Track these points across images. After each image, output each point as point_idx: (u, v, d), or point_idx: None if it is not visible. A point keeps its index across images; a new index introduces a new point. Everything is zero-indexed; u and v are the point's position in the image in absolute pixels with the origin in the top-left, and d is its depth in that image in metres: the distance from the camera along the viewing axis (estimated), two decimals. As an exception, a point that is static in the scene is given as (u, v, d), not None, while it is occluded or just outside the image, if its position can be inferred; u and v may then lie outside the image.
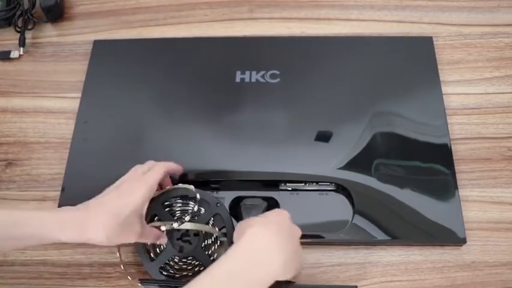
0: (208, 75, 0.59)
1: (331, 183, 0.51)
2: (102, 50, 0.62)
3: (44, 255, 0.51)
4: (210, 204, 0.48)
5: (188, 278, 0.42)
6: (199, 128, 0.55)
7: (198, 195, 0.47)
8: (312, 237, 0.49)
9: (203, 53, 0.61)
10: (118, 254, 0.48)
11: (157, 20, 0.66)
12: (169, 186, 0.49)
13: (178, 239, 0.47)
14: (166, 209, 0.48)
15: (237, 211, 0.50)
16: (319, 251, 0.49)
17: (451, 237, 0.48)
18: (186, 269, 0.47)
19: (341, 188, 0.50)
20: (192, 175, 0.52)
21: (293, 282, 0.42)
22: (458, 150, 0.53)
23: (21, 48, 0.64)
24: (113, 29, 0.66)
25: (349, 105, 0.56)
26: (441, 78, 0.57)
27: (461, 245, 0.48)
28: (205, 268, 0.39)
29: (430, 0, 0.64)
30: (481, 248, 0.48)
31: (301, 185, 0.51)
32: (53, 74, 0.62)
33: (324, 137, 0.54)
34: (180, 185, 0.48)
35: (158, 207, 0.47)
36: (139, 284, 0.47)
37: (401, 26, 0.63)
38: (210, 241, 0.47)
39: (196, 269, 0.47)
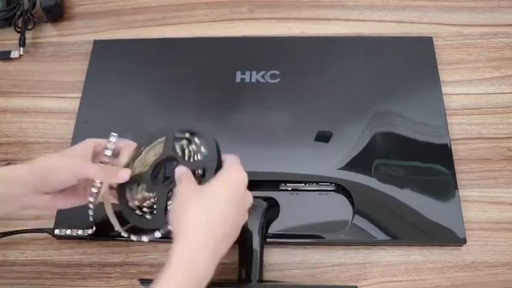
0: (208, 75, 0.59)
1: (331, 183, 0.51)
2: (102, 50, 0.62)
3: (44, 255, 0.51)
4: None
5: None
6: (199, 128, 0.55)
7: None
8: (312, 237, 0.49)
9: (203, 53, 0.61)
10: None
11: (157, 20, 0.66)
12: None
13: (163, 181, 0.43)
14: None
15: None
16: (319, 251, 0.49)
17: (451, 238, 0.48)
18: None
19: (341, 188, 0.50)
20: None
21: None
22: (458, 150, 0.53)
23: (22, 48, 0.64)
24: (113, 29, 0.66)
25: (349, 105, 0.56)
26: (441, 79, 0.57)
27: (461, 245, 0.48)
28: None
29: (430, 0, 0.64)
30: (481, 248, 0.48)
31: (301, 185, 0.51)
32: (53, 74, 0.62)
33: (323, 137, 0.54)
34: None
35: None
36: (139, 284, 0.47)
37: (401, 26, 0.63)
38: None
39: None
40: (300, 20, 0.64)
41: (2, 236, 0.51)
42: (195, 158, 0.42)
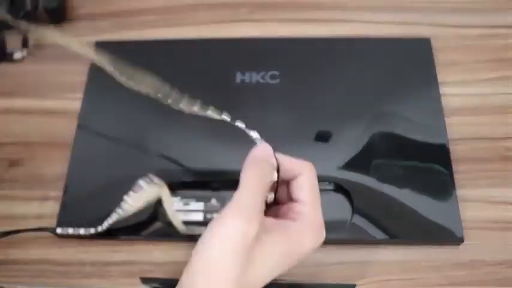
0: (208, 76, 0.60)
1: (330, 182, 0.51)
2: (103, 52, 0.63)
3: (46, 254, 0.51)
4: None
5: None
6: (199, 128, 0.56)
7: None
8: (311, 236, 0.49)
9: (203, 55, 0.62)
10: None
11: (158, 21, 0.66)
12: None
13: None
14: None
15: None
16: (318, 250, 0.49)
17: (449, 237, 0.48)
18: None
19: (340, 187, 0.51)
20: (192, 175, 0.52)
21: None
22: (456, 150, 0.53)
23: (25, 50, 0.64)
24: (114, 30, 0.66)
25: (348, 105, 0.56)
26: (439, 79, 0.57)
27: (459, 244, 0.49)
28: None
29: (429, 1, 0.65)
30: (478, 247, 0.49)
31: (300, 185, 0.51)
32: (56, 75, 0.63)
33: (323, 137, 0.54)
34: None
35: None
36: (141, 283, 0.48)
37: (400, 28, 0.63)
38: None
39: None
40: (300, 21, 0.65)
41: (4, 235, 0.51)
42: None
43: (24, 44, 0.65)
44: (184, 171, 0.52)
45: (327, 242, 0.51)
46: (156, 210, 0.50)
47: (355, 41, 0.62)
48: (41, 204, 0.54)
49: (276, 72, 0.59)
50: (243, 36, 0.64)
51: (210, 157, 0.54)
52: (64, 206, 0.52)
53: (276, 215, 0.32)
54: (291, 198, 0.33)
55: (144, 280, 0.47)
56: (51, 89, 0.62)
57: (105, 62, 0.43)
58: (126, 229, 0.50)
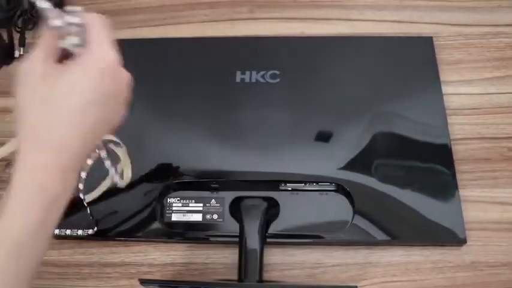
0: (208, 75, 0.59)
1: (331, 183, 0.51)
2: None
3: (44, 255, 0.51)
4: None
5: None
6: (199, 128, 0.55)
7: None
8: (312, 237, 0.49)
9: (203, 53, 0.61)
10: None
11: (157, 20, 0.66)
12: None
13: None
14: None
15: (236, 211, 0.50)
16: (319, 251, 0.49)
17: (451, 238, 0.48)
18: None
19: (341, 188, 0.50)
20: (192, 175, 0.52)
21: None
22: (459, 150, 0.53)
23: (22, 48, 0.64)
24: (112, 29, 0.65)
25: (349, 105, 0.56)
26: (441, 79, 0.57)
27: (461, 245, 0.48)
28: None
29: (431, 0, 0.64)
30: (481, 248, 0.48)
31: (301, 185, 0.51)
32: (53, 74, 0.62)
33: (324, 137, 0.54)
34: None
35: None
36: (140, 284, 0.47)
37: (402, 26, 0.62)
38: None
39: None
40: (300, 19, 0.64)
41: (2, 236, 0.51)
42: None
43: (21, 42, 0.64)
44: (184, 171, 0.52)
45: (328, 243, 0.51)
46: (154, 211, 0.50)
47: (356, 39, 0.62)
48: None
49: (276, 72, 0.58)
50: (243, 35, 0.64)
51: (211, 157, 0.53)
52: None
53: None
54: None
55: (143, 282, 0.47)
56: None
57: None
58: (125, 231, 0.50)
